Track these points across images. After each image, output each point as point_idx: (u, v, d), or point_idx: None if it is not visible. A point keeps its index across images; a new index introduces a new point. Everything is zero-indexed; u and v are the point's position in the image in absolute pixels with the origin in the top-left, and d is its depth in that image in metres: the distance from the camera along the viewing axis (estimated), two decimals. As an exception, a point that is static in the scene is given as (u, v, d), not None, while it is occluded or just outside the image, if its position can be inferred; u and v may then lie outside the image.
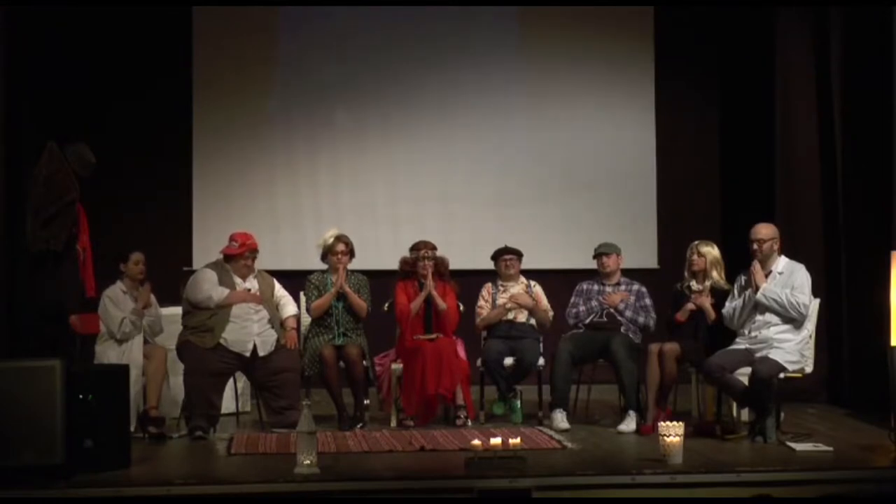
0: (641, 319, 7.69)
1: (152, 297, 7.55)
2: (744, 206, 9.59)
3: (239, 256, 7.45)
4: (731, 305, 7.14)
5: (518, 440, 5.97)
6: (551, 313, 7.95)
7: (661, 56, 10.22)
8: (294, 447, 5.95)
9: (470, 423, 7.47)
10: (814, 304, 7.15)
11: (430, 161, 10.10)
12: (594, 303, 7.75)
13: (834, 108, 8.44)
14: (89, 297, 7.53)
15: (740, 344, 7.05)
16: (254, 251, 7.51)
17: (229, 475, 6.00)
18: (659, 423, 6.27)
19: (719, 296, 7.31)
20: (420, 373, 7.44)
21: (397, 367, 7.62)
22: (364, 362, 7.59)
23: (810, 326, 7.11)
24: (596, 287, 7.83)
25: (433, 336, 7.66)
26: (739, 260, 7.32)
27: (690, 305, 7.38)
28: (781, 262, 7.11)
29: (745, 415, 7.09)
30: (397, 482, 5.78)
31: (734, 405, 7.12)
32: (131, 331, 7.30)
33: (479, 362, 7.74)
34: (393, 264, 8.07)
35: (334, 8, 9.94)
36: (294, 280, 7.99)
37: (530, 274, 8.13)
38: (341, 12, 9.97)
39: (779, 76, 8.93)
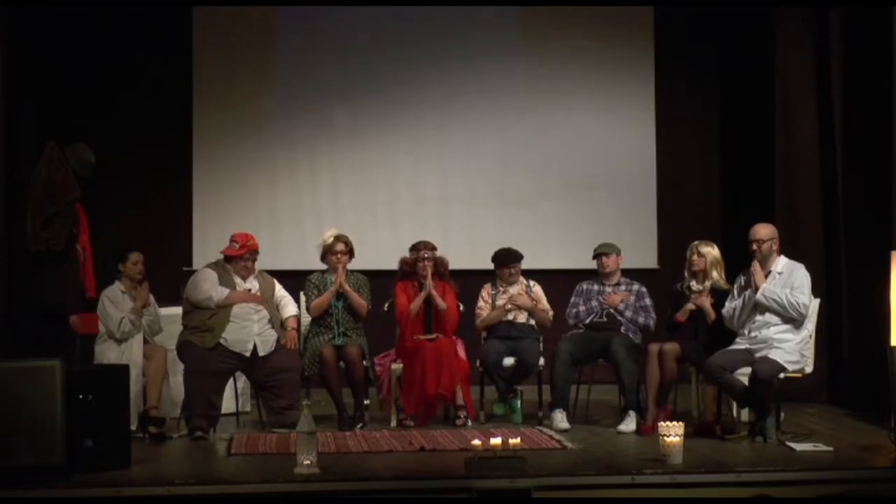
0: (641, 319, 7.69)
1: (151, 297, 7.55)
2: (744, 205, 9.59)
3: (239, 257, 7.44)
4: (731, 306, 7.14)
5: (518, 440, 5.96)
6: (551, 313, 7.93)
7: (661, 56, 10.21)
8: (294, 447, 5.95)
9: (470, 423, 7.47)
10: (814, 304, 7.14)
11: (429, 161, 10.09)
12: (594, 303, 7.75)
13: (834, 108, 8.43)
14: (89, 298, 7.52)
15: (740, 344, 7.04)
16: (254, 252, 7.51)
17: (229, 475, 6.00)
18: (659, 423, 6.28)
19: (719, 296, 7.30)
20: (420, 373, 7.44)
21: (397, 367, 7.62)
22: (364, 362, 7.59)
23: (810, 326, 7.11)
24: (596, 287, 7.82)
25: (433, 336, 7.66)
26: (739, 260, 7.31)
27: (690, 305, 7.38)
28: (781, 262, 7.11)
29: (745, 415, 7.09)
30: (397, 482, 5.78)
31: (734, 405, 7.12)
32: (130, 330, 7.31)
33: (478, 363, 7.73)
34: (393, 264, 8.06)
35: (334, 8, 9.94)
36: (294, 280, 7.98)
37: (530, 274, 8.11)
38: (341, 12, 9.96)
39: (779, 76, 8.91)
